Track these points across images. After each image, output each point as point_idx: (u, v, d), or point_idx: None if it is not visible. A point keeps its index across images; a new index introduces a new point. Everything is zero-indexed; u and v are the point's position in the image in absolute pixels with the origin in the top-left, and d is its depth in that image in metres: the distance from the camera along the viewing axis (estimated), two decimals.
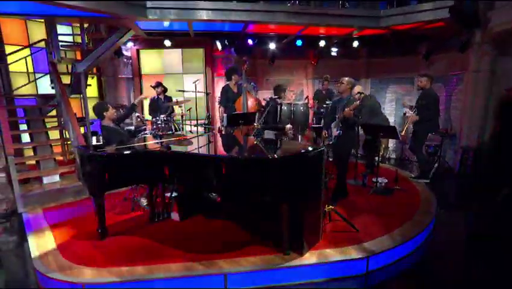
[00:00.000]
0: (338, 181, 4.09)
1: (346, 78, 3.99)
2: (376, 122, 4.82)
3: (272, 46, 6.90)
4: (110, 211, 3.78)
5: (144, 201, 4.00)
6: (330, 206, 3.44)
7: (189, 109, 5.83)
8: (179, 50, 7.03)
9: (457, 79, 6.27)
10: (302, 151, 2.91)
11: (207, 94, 6.59)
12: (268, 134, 4.71)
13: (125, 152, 3.03)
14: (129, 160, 3.06)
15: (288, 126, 4.67)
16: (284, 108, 6.45)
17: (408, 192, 4.58)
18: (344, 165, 4.07)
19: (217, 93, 6.75)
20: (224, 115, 5.03)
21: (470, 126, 5.85)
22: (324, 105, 6.50)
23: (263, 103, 5.95)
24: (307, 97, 7.20)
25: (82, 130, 4.86)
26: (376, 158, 4.89)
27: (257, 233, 3.21)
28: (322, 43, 6.72)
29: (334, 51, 7.09)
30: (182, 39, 6.51)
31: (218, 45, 5.91)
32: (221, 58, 6.83)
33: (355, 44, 6.87)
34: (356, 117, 3.99)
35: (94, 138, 3.22)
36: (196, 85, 5.79)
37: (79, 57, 5.05)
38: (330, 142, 3.86)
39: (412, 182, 5.04)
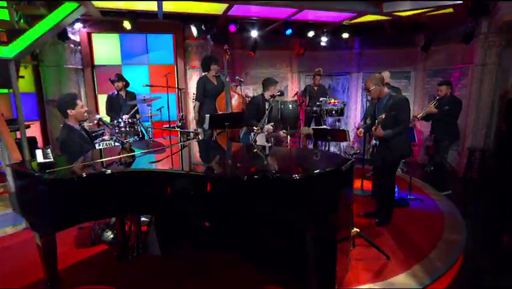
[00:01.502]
0: (384, 200, 3.78)
1: (372, 80, 3.62)
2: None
3: (254, 33, 6.51)
4: (61, 244, 3.07)
5: (109, 235, 3.32)
6: (356, 229, 3.04)
7: (159, 109, 5.32)
8: (143, 35, 6.30)
9: (460, 73, 6.25)
10: (334, 165, 2.54)
11: (179, 90, 6.09)
12: (261, 139, 4.39)
13: (90, 174, 2.41)
14: (97, 184, 2.40)
15: (268, 126, 4.37)
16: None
17: (426, 202, 4.48)
18: (392, 178, 3.74)
19: (192, 89, 6.32)
20: (207, 115, 4.49)
21: (475, 125, 5.80)
22: (318, 103, 6.25)
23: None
24: (296, 93, 6.89)
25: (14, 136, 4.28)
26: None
27: (265, 267, 2.70)
28: (311, 33, 6.42)
29: (324, 41, 6.78)
30: (147, 22, 5.84)
31: (194, 30, 5.35)
32: (195, 46, 6.26)
33: (346, 34, 6.64)
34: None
35: (39, 152, 2.48)
36: (167, 78, 5.35)
37: (5, 39, 4.21)
38: (370, 150, 3.49)
39: (425, 190, 4.98)
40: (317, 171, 2.38)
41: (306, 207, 2.26)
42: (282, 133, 4.49)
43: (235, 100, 5.39)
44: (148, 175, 2.47)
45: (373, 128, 3.61)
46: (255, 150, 3.32)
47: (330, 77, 7.86)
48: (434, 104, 4.89)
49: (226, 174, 2.54)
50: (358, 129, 5.00)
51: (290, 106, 6.56)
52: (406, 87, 7.30)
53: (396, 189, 4.62)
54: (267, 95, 4.44)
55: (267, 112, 4.16)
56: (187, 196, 2.40)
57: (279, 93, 4.29)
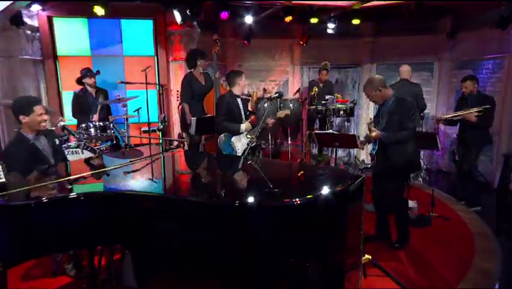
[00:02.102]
0: (398, 219, 3.80)
1: (370, 85, 3.65)
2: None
3: (249, 19, 6.51)
4: (14, 275, 3.04)
5: (71, 269, 3.30)
6: (367, 256, 3.04)
7: (137, 110, 5.32)
8: (117, 21, 6.28)
9: (493, 65, 6.26)
10: (339, 184, 2.51)
11: (160, 86, 6.09)
12: (241, 143, 4.39)
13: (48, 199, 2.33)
14: (59, 211, 2.35)
15: (270, 120, 4.50)
16: (265, 105, 6.40)
17: (452, 220, 4.47)
18: (399, 194, 3.73)
19: (175, 86, 6.33)
20: (193, 119, 4.51)
21: None
22: (323, 101, 6.30)
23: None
24: (298, 90, 6.91)
25: None
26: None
27: None
28: (315, 19, 6.45)
29: (330, 28, 6.81)
30: (122, 5, 5.82)
31: (177, 16, 5.32)
32: (179, 34, 6.27)
33: (357, 19, 6.65)
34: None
35: None
36: (146, 73, 5.36)
37: None
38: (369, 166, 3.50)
39: (451, 205, 4.98)
40: (322, 193, 2.35)
41: (306, 235, 2.25)
42: (269, 120, 4.51)
43: None
44: (114, 198, 2.42)
45: (368, 130, 3.61)
46: (246, 165, 3.31)
47: (338, 70, 7.87)
48: (475, 111, 4.79)
49: (213, 200, 2.51)
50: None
51: (291, 105, 6.66)
52: (428, 80, 7.32)
53: (415, 205, 4.66)
54: (236, 91, 4.45)
55: (265, 113, 4.15)
56: (166, 225, 2.39)
57: (276, 94, 4.30)
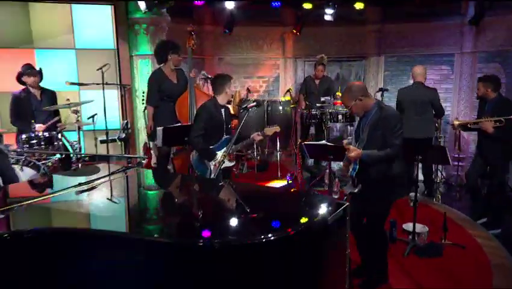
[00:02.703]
0: (375, 252, 3.78)
1: (348, 93, 3.63)
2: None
3: (230, 4, 6.61)
4: None
5: None
6: None
7: (92, 117, 5.34)
8: (67, 5, 6.28)
9: None
10: (316, 215, 2.52)
11: (122, 87, 6.07)
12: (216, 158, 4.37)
13: None
14: None
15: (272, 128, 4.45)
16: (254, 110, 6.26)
17: (467, 249, 4.41)
18: (379, 225, 3.73)
19: (141, 85, 6.31)
20: (159, 129, 4.54)
21: None
22: (318, 104, 6.33)
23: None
24: (289, 90, 6.94)
25: None
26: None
27: None
28: (308, 4, 6.54)
29: (329, 14, 6.83)
30: None
31: (141, 3, 5.34)
32: (145, 24, 6.33)
33: (360, 3, 6.68)
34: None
35: None
36: (103, 73, 5.34)
37: None
38: (355, 191, 3.47)
39: (467, 228, 4.97)
40: (282, 229, 2.26)
41: (273, 278, 2.23)
42: (256, 136, 4.45)
43: (201, 99, 5.33)
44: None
45: (347, 149, 3.59)
46: (204, 192, 3.32)
47: (340, 64, 7.93)
48: (491, 120, 4.81)
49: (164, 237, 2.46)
50: None
51: (281, 108, 6.68)
52: (448, 76, 7.37)
53: (425, 230, 4.62)
54: (221, 100, 4.42)
55: (238, 127, 4.08)
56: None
57: (254, 103, 4.24)
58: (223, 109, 4.43)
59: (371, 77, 7.77)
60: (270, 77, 7.93)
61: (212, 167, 4.31)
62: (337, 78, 7.81)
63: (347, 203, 2.63)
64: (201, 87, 5.81)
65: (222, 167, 4.23)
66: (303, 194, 3.68)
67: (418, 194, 5.79)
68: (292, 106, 6.86)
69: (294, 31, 7.44)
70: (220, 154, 4.30)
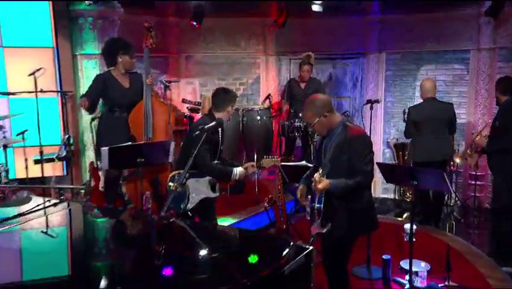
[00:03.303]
0: None
1: (310, 108, 3.69)
2: None
3: None
4: None
5: None
6: None
7: (21, 133, 5.33)
8: None
9: None
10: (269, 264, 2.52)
11: (63, 94, 6.08)
12: (196, 187, 4.44)
13: None
14: None
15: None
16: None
17: None
18: (343, 262, 3.82)
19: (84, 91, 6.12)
20: (103, 150, 4.50)
21: None
22: (301, 114, 6.39)
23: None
24: (268, 96, 6.92)
25: None
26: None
27: None
28: None
29: (317, 3, 6.92)
30: None
31: None
32: (91, 17, 6.32)
33: None
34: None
35: None
36: (35, 78, 5.31)
37: None
38: (324, 231, 3.47)
39: (477, 266, 4.96)
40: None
41: None
42: (250, 167, 4.52)
43: (158, 111, 5.42)
44: None
45: (312, 179, 3.60)
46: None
47: (333, 63, 7.97)
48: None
49: None
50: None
51: (258, 118, 6.67)
52: (462, 77, 7.40)
53: (426, 269, 4.60)
54: (222, 115, 4.46)
55: (194, 153, 4.01)
56: None
57: (213, 122, 4.20)
58: (220, 129, 4.50)
59: (370, 78, 7.79)
60: (248, 78, 7.93)
61: (191, 197, 4.37)
62: (329, 79, 7.84)
63: (311, 248, 2.65)
64: (160, 96, 5.79)
65: (202, 197, 4.34)
66: (259, 237, 3.65)
67: (423, 222, 5.98)
68: (273, 115, 6.90)
69: (277, 23, 7.40)
70: (237, 172, 4.40)
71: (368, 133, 4.88)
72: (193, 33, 7.41)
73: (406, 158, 7.13)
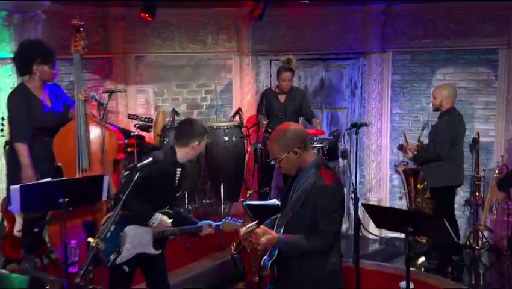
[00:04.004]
0: None
1: (278, 140, 3.67)
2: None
3: None
4: None
5: None
6: None
7: None
8: None
9: None
10: None
11: None
12: (134, 237, 4.41)
13: None
14: None
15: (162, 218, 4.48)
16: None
17: None
18: None
19: None
20: (14, 187, 4.45)
21: None
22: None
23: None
24: (238, 111, 6.98)
25: None
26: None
27: None
28: None
29: None
30: None
31: None
32: (6, 11, 6.10)
33: None
34: None
35: None
36: None
37: None
38: None
39: None
40: None
41: None
42: (207, 227, 4.52)
43: (95, 136, 5.41)
44: None
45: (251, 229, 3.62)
46: None
47: (325, 65, 7.95)
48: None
49: None
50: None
51: (226, 138, 6.65)
52: (489, 83, 7.31)
53: None
54: (181, 155, 4.43)
55: (125, 194, 3.95)
56: None
57: (150, 159, 4.12)
58: (179, 170, 4.48)
59: (372, 84, 7.67)
60: (217, 85, 7.86)
61: (126, 247, 4.33)
62: (320, 86, 7.80)
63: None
64: (101, 115, 5.70)
65: (138, 252, 4.34)
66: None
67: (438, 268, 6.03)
68: (245, 135, 6.85)
69: (253, 15, 7.25)
70: (158, 218, 4.35)
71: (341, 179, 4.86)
72: (145, 28, 7.37)
73: (420, 185, 7.09)
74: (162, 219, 4.39)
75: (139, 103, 7.54)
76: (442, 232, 4.44)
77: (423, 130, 6.48)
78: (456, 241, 4.75)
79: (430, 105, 7.23)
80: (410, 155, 6.37)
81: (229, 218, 4.39)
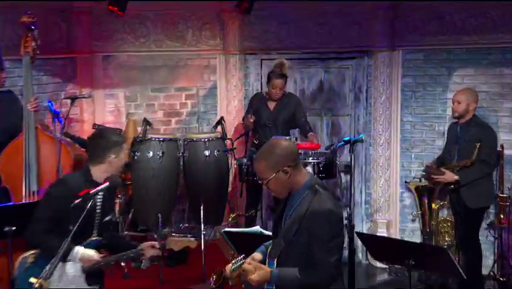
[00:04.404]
0: None
1: (268, 153, 3.69)
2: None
3: None
4: None
5: None
6: None
7: None
8: None
9: None
10: None
11: None
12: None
13: None
14: None
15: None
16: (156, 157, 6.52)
17: None
18: None
19: None
20: None
21: None
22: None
23: None
24: (220, 121, 6.99)
25: None
26: None
27: None
28: None
29: None
30: None
31: None
32: None
33: None
34: None
35: None
36: None
37: None
38: None
39: None
40: None
41: None
42: (149, 248, 4.46)
43: (48, 153, 5.40)
44: None
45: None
46: None
47: (325, 65, 7.91)
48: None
49: None
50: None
51: (206, 153, 6.61)
52: None
53: None
54: (98, 174, 4.39)
55: (77, 223, 3.91)
56: None
57: (106, 184, 4.17)
58: (101, 193, 4.42)
59: (379, 87, 7.64)
60: (200, 89, 7.79)
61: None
62: (319, 89, 7.73)
63: None
64: (45, 128, 5.67)
65: None
66: None
67: None
68: (229, 148, 6.76)
69: (241, 7, 7.22)
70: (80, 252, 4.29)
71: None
72: (114, 23, 7.32)
73: (435, 205, 7.06)
74: (83, 254, 4.30)
75: (108, 110, 7.48)
76: (448, 267, 4.46)
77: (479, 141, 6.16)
78: (463, 277, 4.64)
79: (447, 112, 7.28)
80: (454, 176, 6.06)
81: (175, 235, 4.62)
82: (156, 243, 4.55)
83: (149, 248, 4.47)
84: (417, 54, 7.54)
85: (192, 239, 4.63)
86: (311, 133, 6.69)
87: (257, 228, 5.11)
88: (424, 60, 7.50)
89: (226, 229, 4.95)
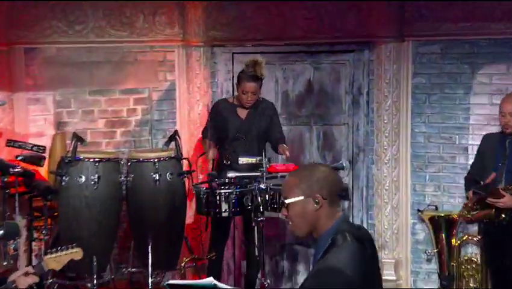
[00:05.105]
0: None
1: (305, 170, 3.71)
2: None
3: None
4: None
5: None
6: None
7: None
8: None
9: None
10: None
11: None
12: None
13: None
14: None
15: None
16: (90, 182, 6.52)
17: None
18: None
19: None
20: None
21: None
22: (230, 173, 6.34)
23: None
24: (175, 135, 6.96)
25: None
26: None
27: None
28: None
29: None
30: None
31: None
32: None
33: None
34: None
35: None
36: None
37: None
38: None
39: None
40: None
41: None
42: (22, 277, 4.52)
43: None
44: None
45: None
46: None
47: (314, 60, 7.91)
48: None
49: None
50: None
51: (156, 176, 6.61)
52: None
53: None
54: None
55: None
56: None
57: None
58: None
59: (383, 88, 7.64)
60: (153, 91, 7.74)
61: None
62: (307, 92, 7.71)
63: None
64: None
65: None
66: None
67: None
68: (187, 170, 6.76)
69: None
70: None
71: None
72: (40, 7, 7.19)
73: (455, 241, 7.12)
74: None
75: (32, 119, 7.35)
76: None
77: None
78: None
79: (470, 121, 7.33)
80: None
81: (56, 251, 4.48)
82: (29, 268, 4.52)
83: (22, 278, 4.42)
84: (432, 46, 7.51)
85: (75, 250, 4.57)
86: (281, 144, 6.64)
87: (210, 279, 4.98)
88: (441, 54, 7.48)
89: (170, 281, 4.82)
